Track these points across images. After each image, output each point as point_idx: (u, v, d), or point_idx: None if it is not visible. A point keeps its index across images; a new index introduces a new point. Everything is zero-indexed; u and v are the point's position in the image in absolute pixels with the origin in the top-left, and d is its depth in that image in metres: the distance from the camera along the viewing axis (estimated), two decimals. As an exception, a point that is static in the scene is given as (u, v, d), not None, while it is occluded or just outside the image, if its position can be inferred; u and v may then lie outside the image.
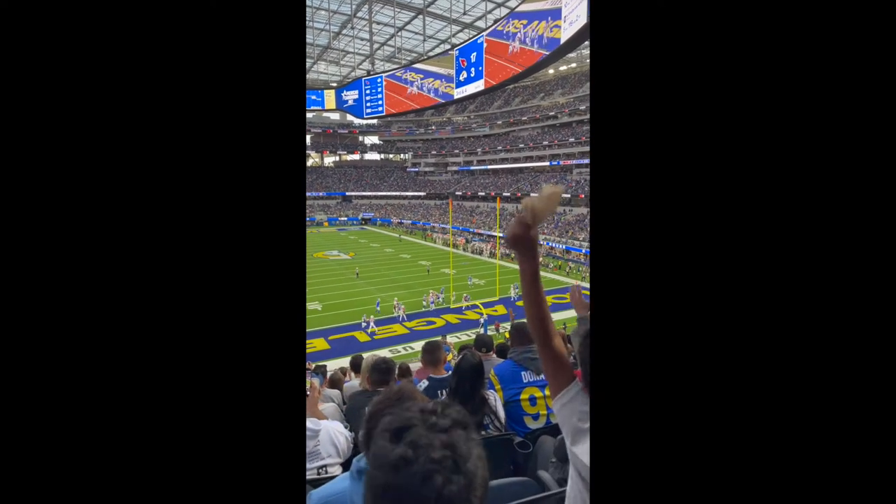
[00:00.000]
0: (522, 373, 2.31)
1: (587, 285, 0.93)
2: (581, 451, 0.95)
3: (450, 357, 4.37)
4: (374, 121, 49.24)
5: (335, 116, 52.91)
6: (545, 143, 39.69)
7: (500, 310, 16.67)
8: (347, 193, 51.95)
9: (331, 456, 1.81)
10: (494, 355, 3.03)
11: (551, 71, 41.01)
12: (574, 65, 41.22)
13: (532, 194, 0.94)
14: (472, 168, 48.07)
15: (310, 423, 1.83)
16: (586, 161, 34.92)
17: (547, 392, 1.95)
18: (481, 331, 13.15)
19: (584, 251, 25.96)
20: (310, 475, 1.72)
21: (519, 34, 16.42)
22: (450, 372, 2.41)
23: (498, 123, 46.62)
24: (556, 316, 13.73)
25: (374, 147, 58.68)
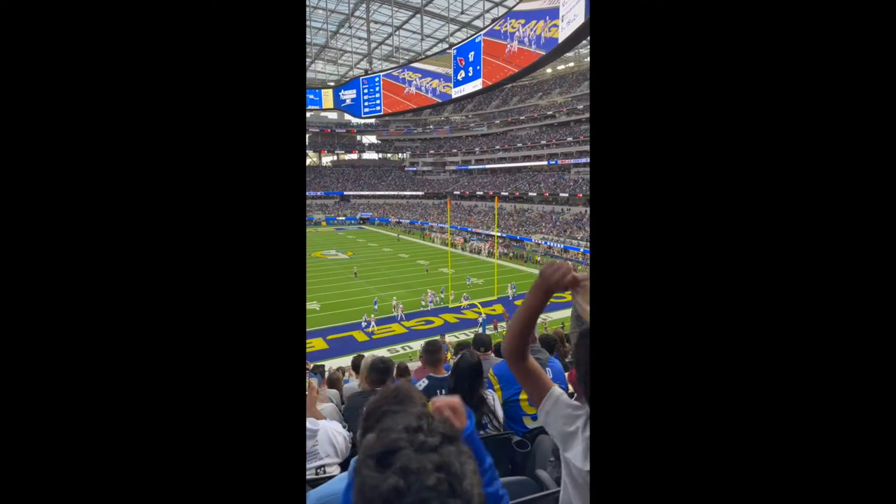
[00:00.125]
0: (521, 372, 2.31)
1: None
2: (573, 455, 0.95)
3: (448, 356, 4.36)
4: (372, 120, 49.28)
5: (333, 116, 52.83)
6: (543, 142, 39.70)
7: (499, 309, 16.64)
8: (345, 193, 51.86)
9: (329, 456, 1.81)
10: (493, 354, 3.03)
11: (549, 70, 41.02)
12: (572, 64, 41.24)
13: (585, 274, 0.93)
14: (470, 167, 48.06)
15: (308, 422, 1.83)
16: (584, 160, 34.96)
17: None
18: (479, 330, 13.15)
19: (582, 250, 25.99)
20: (308, 475, 1.72)
21: (517, 33, 16.40)
22: (449, 371, 2.41)
23: (496, 123, 46.61)
24: (556, 315, 13.73)
25: (371, 146, 58.63)
